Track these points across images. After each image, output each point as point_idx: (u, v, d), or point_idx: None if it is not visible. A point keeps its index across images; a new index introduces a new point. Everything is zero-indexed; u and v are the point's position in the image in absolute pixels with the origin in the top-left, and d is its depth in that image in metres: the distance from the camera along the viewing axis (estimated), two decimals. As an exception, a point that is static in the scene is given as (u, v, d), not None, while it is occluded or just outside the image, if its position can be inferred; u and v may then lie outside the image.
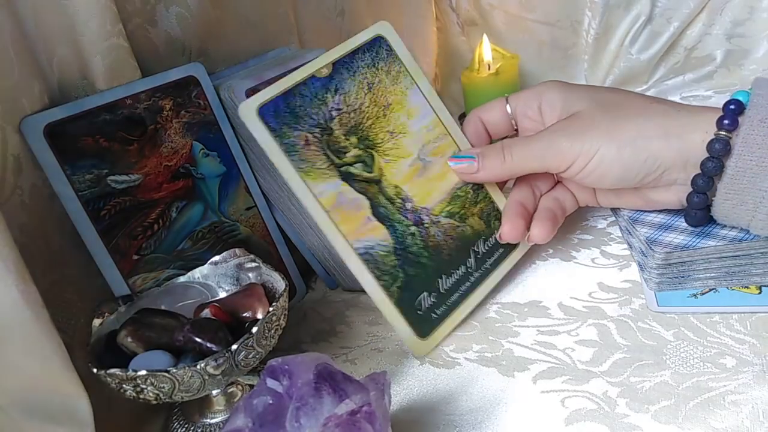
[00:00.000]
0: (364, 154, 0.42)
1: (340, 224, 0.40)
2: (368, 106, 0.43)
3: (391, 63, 0.45)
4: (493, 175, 0.45)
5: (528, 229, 0.45)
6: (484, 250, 0.45)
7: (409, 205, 0.43)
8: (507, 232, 0.45)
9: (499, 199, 0.47)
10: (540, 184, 0.48)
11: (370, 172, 0.42)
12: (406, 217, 0.43)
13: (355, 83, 0.43)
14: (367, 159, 0.42)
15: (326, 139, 0.41)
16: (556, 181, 0.49)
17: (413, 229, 0.43)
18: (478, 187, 0.46)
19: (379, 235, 0.41)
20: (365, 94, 0.43)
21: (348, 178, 0.41)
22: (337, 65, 0.42)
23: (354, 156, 0.42)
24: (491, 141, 0.50)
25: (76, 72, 0.40)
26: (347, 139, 0.42)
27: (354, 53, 0.43)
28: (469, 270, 0.44)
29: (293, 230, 0.49)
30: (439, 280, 0.43)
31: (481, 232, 0.46)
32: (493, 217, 0.46)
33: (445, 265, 0.43)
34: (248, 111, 0.39)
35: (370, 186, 0.42)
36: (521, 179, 0.47)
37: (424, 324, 0.42)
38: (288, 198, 0.47)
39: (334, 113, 0.42)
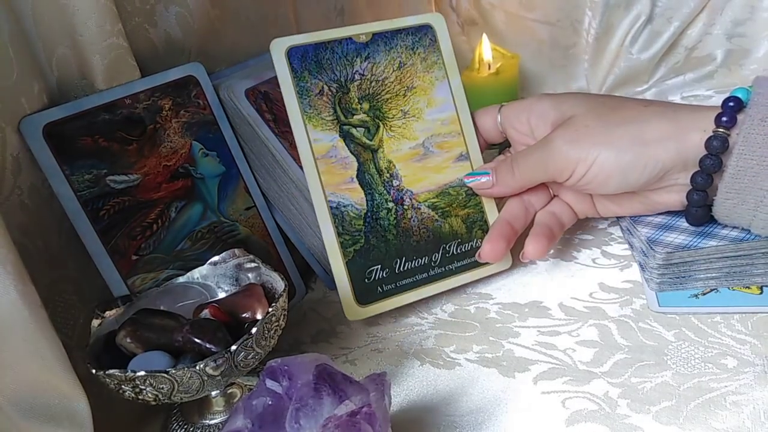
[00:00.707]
0: (371, 121, 0.44)
1: (322, 173, 0.42)
2: (392, 82, 0.44)
3: (430, 52, 0.46)
4: (508, 188, 0.45)
5: (509, 250, 0.45)
6: (456, 252, 0.46)
7: (395, 183, 0.44)
8: (487, 251, 0.44)
9: (491, 212, 0.47)
10: (534, 201, 0.48)
11: (370, 140, 0.43)
12: (389, 192, 0.44)
13: (387, 57, 0.44)
14: (371, 127, 0.44)
15: (340, 96, 0.43)
16: (552, 195, 0.49)
17: (391, 205, 0.44)
18: (473, 193, 0.47)
19: (355, 198, 0.43)
20: (393, 71, 0.44)
21: (347, 136, 0.43)
22: (377, 36, 0.44)
23: (360, 119, 0.43)
24: (486, 145, 0.50)
25: (75, 72, 0.40)
26: (360, 103, 0.43)
27: (397, 31, 0.45)
28: (433, 264, 0.45)
29: (293, 230, 0.49)
30: (398, 260, 0.44)
31: (459, 235, 0.46)
32: (478, 226, 0.47)
33: (409, 250, 0.44)
34: (279, 47, 0.42)
35: (365, 151, 0.43)
36: (514, 195, 0.47)
37: (366, 292, 0.43)
38: (288, 198, 0.47)
39: (357, 76, 0.43)
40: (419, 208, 0.45)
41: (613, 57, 0.76)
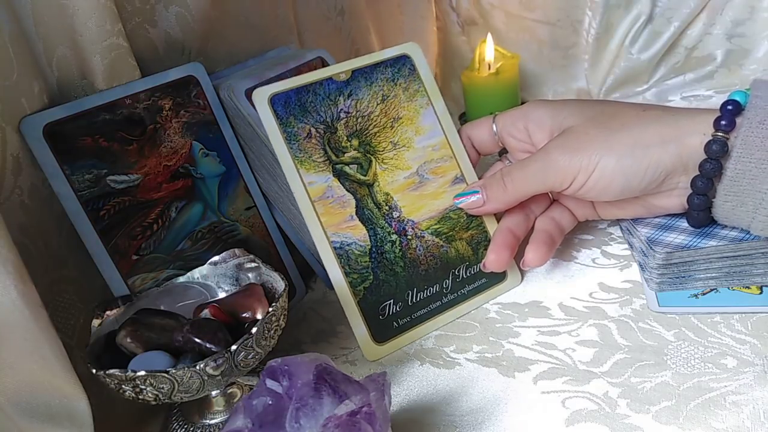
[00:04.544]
0: (362, 157, 0.43)
1: (322, 215, 0.42)
2: (377, 116, 0.44)
3: (411, 81, 0.46)
4: (500, 204, 0.45)
5: (513, 257, 0.45)
6: (465, 276, 0.45)
7: (395, 214, 0.44)
8: (492, 261, 0.44)
9: (493, 230, 0.47)
10: (534, 207, 0.47)
11: (364, 175, 0.43)
12: (390, 225, 0.43)
13: (369, 92, 0.44)
14: (363, 162, 0.43)
15: (328, 136, 0.42)
16: (552, 200, 0.49)
17: (394, 237, 0.43)
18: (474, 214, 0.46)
19: (358, 235, 0.42)
20: (377, 104, 0.44)
21: (340, 175, 0.43)
22: (356, 73, 0.44)
23: (351, 157, 0.43)
24: (480, 157, 0.50)
25: (75, 72, 0.40)
26: (349, 141, 0.43)
27: (376, 65, 0.45)
28: (444, 290, 0.44)
29: (293, 230, 0.49)
30: (410, 292, 0.43)
31: (466, 258, 0.45)
32: (483, 246, 0.46)
33: (419, 280, 0.44)
34: (261, 96, 0.41)
35: (360, 188, 0.43)
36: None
37: (383, 329, 0.42)
38: (288, 198, 0.47)
39: (342, 115, 0.43)
40: (423, 237, 0.44)
41: (613, 57, 0.76)
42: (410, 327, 0.43)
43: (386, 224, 0.43)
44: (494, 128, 0.48)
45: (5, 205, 0.34)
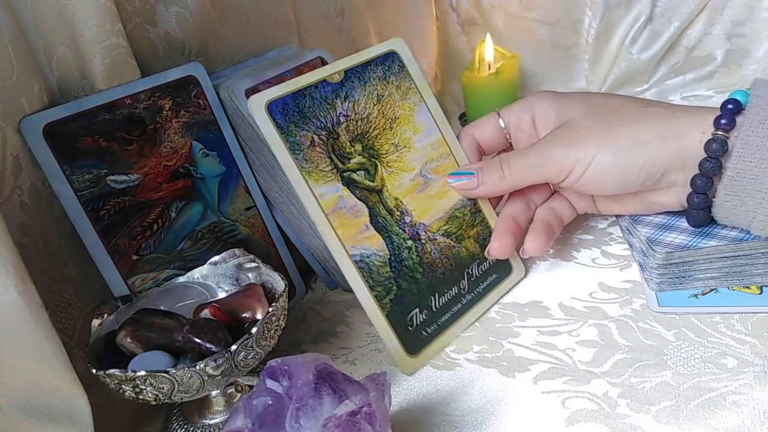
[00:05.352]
0: (368, 162, 0.42)
1: (337, 228, 0.40)
2: (376, 117, 0.43)
3: (401, 79, 0.45)
4: (494, 190, 0.44)
5: (516, 245, 0.45)
6: (478, 274, 0.45)
7: (407, 219, 0.43)
8: (496, 248, 0.44)
9: (495, 223, 0.47)
10: (535, 196, 0.48)
11: (372, 181, 0.42)
12: (404, 231, 0.42)
13: (365, 93, 0.43)
14: (370, 168, 0.42)
15: (332, 143, 0.41)
16: (553, 191, 0.49)
17: (410, 243, 0.42)
18: (476, 210, 0.46)
19: (375, 245, 0.41)
20: (374, 105, 0.43)
21: (350, 183, 0.41)
22: (349, 73, 0.43)
23: (357, 163, 0.42)
24: (485, 156, 0.50)
25: (75, 72, 0.39)
26: (352, 146, 0.42)
27: (366, 64, 0.44)
28: (462, 292, 0.44)
29: (293, 230, 0.49)
30: (432, 298, 0.42)
31: (476, 255, 0.45)
32: (489, 241, 0.46)
33: (439, 284, 0.43)
34: (257, 105, 0.39)
35: (370, 195, 0.42)
36: (515, 192, 0.47)
37: (414, 341, 0.41)
38: (288, 198, 0.47)
39: (342, 119, 0.42)
40: (435, 239, 0.43)
41: (613, 57, 0.76)
42: (438, 334, 0.42)
43: (400, 230, 0.42)
44: (502, 123, 0.47)
45: (5, 205, 0.34)
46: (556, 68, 0.80)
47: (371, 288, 0.40)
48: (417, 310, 0.41)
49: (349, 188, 0.41)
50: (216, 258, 0.41)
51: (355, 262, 0.40)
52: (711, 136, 0.38)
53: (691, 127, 0.39)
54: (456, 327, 0.43)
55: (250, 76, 0.46)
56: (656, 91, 0.76)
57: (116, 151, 0.40)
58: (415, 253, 0.42)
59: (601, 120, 0.42)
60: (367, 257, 0.40)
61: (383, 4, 0.77)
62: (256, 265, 0.41)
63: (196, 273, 0.41)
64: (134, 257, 0.40)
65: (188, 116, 0.44)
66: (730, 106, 0.38)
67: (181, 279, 0.41)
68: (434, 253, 0.43)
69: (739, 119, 0.38)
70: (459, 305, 0.44)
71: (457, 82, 0.83)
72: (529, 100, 0.47)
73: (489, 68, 0.71)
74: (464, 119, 0.78)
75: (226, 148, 0.46)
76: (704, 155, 0.39)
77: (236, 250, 0.41)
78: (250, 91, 0.46)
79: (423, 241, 0.43)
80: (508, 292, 0.46)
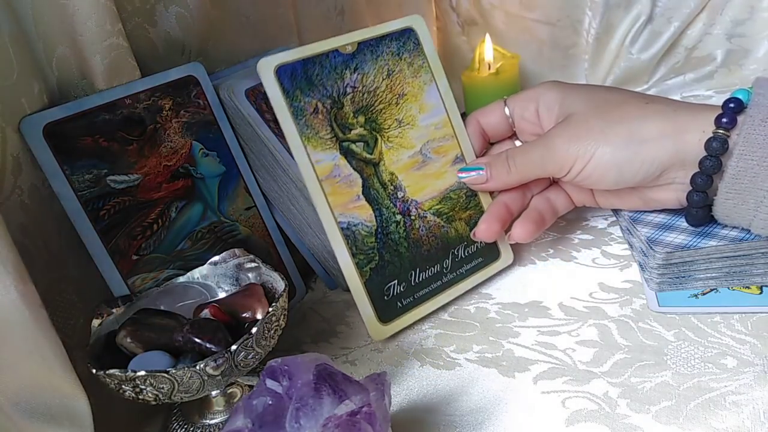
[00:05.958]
0: (369, 135, 0.43)
1: (329, 195, 0.41)
2: (383, 91, 0.44)
3: (415, 56, 0.45)
4: (502, 184, 0.46)
5: (504, 231, 0.46)
6: (464, 255, 0.46)
7: (400, 194, 0.44)
8: (482, 231, 0.45)
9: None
10: (532, 186, 0.48)
11: (370, 154, 0.43)
12: (395, 205, 0.43)
13: (375, 66, 0.43)
14: (370, 140, 0.43)
15: (335, 111, 0.42)
16: (551, 181, 0.49)
17: (399, 217, 0.43)
18: (472, 194, 0.47)
19: (364, 215, 0.42)
20: (383, 80, 0.44)
21: (347, 153, 0.42)
22: (362, 46, 0.43)
23: (358, 134, 0.42)
24: (491, 143, 0.50)
25: (75, 72, 0.40)
26: (355, 117, 0.42)
27: (381, 38, 0.44)
28: (444, 270, 0.45)
29: (293, 230, 0.49)
30: (413, 272, 0.44)
31: (465, 238, 0.46)
32: None
33: (422, 260, 0.44)
34: (266, 67, 0.40)
35: (367, 166, 0.43)
36: None
37: (387, 309, 0.42)
38: (288, 198, 0.47)
39: (348, 90, 0.42)
40: (425, 217, 0.44)
41: (613, 57, 0.76)
42: (412, 307, 0.44)
43: (391, 204, 0.43)
44: (507, 111, 0.48)
45: (5, 205, 0.34)
46: (556, 68, 0.80)
47: (353, 255, 0.41)
48: (395, 281, 0.43)
49: (346, 158, 0.42)
50: (216, 258, 0.41)
51: (342, 228, 0.41)
52: (711, 135, 0.38)
53: (692, 125, 0.39)
54: (432, 303, 0.44)
55: (250, 76, 0.46)
56: (656, 91, 0.76)
57: (116, 151, 0.40)
58: (403, 228, 0.43)
59: (602, 116, 0.42)
60: (354, 226, 0.42)
61: (383, 4, 0.77)
62: (256, 265, 0.41)
63: (196, 273, 0.41)
64: (134, 257, 0.40)
65: (188, 116, 0.44)
66: (731, 105, 0.38)
67: (181, 279, 0.41)
68: (422, 230, 0.44)
69: (740, 118, 0.38)
70: (439, 282, 0.45)
71: (457, 82, 0.83)
72: (536, 90, 0.47)
73: (489, 68, 0.71)
74: (464, 119, 0.78)
75: (226, 148, 0.46)
76: (704, 153, 0.39)
77: (236, 250, 0.41)
78: (250, 92, 0.46)
79: (413, 218, 0.44)
80: (493, 276, 0.47)
